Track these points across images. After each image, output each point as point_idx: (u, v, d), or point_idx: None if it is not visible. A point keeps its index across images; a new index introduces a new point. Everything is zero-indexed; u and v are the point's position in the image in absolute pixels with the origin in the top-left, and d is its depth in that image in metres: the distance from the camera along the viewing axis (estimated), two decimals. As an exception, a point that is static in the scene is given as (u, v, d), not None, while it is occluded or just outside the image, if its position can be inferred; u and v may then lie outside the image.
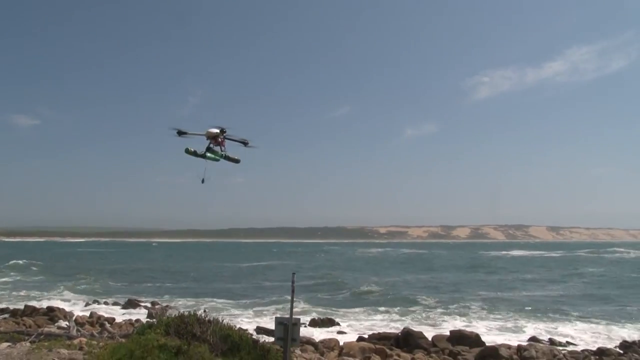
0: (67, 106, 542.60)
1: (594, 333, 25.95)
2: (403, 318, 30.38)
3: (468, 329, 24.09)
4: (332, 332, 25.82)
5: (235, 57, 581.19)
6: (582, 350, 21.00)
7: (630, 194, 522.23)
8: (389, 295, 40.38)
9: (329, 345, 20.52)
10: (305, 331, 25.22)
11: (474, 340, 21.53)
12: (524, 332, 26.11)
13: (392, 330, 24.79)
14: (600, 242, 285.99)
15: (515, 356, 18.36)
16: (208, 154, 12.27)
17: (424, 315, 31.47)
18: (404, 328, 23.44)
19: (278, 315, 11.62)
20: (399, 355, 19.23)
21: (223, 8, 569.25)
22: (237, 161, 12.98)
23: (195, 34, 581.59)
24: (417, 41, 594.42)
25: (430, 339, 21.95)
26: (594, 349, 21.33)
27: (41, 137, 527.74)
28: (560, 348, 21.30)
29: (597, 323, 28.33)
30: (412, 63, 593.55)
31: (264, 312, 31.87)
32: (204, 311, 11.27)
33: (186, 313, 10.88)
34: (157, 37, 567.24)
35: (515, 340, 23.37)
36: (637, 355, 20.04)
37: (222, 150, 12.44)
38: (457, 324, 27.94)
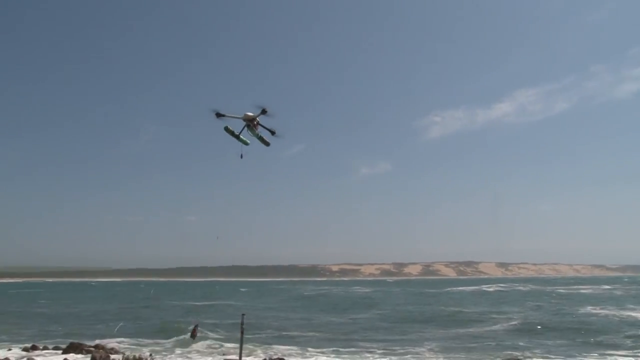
0: None
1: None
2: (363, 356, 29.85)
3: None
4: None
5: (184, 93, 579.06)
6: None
7: (573, 230, 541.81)
8: (345, 333, 39.76)
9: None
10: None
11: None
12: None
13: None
14: (546, 277, 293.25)
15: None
16: (242, 137, 12.90)
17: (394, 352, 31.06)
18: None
19: (229, 357, 11.10)
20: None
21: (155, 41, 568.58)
22: (267, 144, 13.42)
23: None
24: (371, 79, 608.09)
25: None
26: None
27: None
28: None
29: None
30: (366, 100, 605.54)
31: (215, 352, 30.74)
32: (150, 355, 10.63)
33: (131, 357, 10.25)
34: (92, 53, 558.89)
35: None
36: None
37: (258, 132, 13.01)
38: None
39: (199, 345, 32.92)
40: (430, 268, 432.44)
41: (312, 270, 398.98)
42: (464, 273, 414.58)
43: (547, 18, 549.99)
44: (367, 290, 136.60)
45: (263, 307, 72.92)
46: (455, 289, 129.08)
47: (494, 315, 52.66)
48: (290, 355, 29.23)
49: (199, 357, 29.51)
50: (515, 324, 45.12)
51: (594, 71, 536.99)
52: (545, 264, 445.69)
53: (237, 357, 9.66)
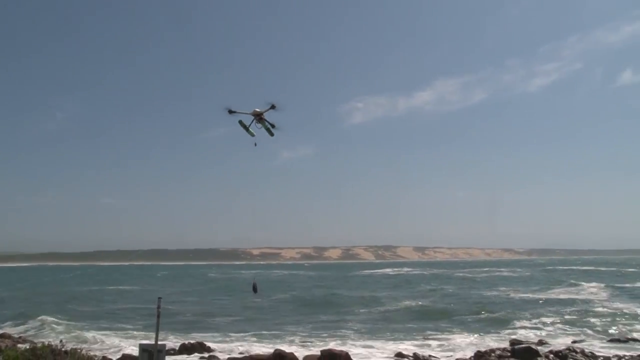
0: None
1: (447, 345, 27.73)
2: (275, 340, 30.23)
3: (338, 348, 24.54)
4: (203, 356, 25.07)
5: (106, 71, 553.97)
6: (442, 363, 22.36)
7: (485, 215, 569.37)
8: (262, 317, 40.13)
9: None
10: (174, 358, 24.29)
11: (344, 358, 21.96)
12: (390, 348, 27.09)
13: (264, 352, 24.57)
14: (459, 260, 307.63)
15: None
16: (250, 129, 14.68)
17: (296, 336, 31.57)
18: (275, 350, 23.36)
19: (143, 342, 11.06)
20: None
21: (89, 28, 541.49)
22: (272, 134, 14.88)
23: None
24: (293, 62, 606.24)
25: (301, 359, 22.05)
26: (453, 360, 22.85)
27: None
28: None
29: (451, 333, 30.37)
30: (289, 84, 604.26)
31: (131, 338, 30.14)
32: (60, 341, 10.43)
33: (39, 344, 10.00)
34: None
35: (381, 356, 24.22)
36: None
37: (266, 124, 14.69)
38: (328, 344, 28.32)
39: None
40: (350, 252, 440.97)
41: (233, 254, 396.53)
42: (383, 257, 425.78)
43: (466, 12, 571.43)
44: (284, 272, 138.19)
45: (179, 291, 72.04)
46: (365, 272, 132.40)
47: (399, 298, 54.88)
48: (206, 340, 29.17)
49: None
50: (420, 305, 47.21)
51: (508, 65, 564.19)
52: (459, 248, 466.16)
53: (153, 342, 9.66)
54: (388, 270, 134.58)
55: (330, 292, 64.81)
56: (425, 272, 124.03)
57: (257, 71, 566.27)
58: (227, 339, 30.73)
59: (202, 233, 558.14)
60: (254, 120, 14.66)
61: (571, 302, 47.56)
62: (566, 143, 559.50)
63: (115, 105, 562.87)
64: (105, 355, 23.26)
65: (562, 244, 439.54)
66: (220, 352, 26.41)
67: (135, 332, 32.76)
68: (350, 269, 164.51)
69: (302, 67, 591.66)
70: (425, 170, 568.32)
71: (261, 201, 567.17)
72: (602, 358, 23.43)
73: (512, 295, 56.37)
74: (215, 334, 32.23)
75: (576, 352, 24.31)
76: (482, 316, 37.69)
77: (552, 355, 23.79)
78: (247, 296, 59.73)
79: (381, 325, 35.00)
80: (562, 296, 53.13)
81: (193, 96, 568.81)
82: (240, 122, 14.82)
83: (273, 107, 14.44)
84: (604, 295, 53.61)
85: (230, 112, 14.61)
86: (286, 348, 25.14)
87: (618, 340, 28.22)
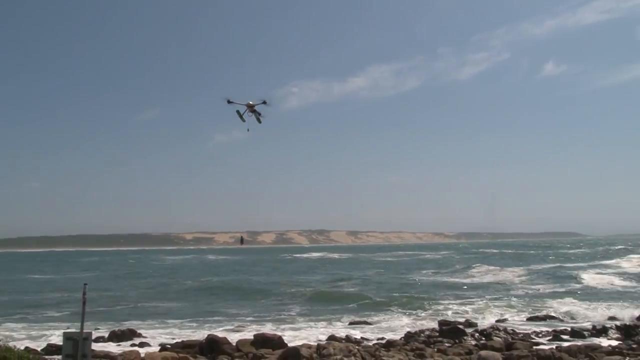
0: None
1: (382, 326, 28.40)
2: (208, 325, 29.94)
3: (271, 332, 24.61)
4: (134, 343, 24.49)
5: (31, 53, 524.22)
6: (374, 344, 22.84)
7: (417, 200, 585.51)
8: (194, 303, 39.64)
9: (129, 358, 19.38)
10: (103, 345, 23.62)
11: (277, 342, 22.02)
12: (323, 331, 27.44)
13: (197, 338, 24.30)
14: (392, 244, 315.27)
15: (315, 355, 19.17)
16: (245, 117, 17.10)
17: (229, 321, 31.38)
18: (208, 335, 23.13)
19: (68, 330, 10.64)
20: (202, 363, 18.89)
21: None
22: (259, 122, 17.20)
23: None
24: (228, 45, 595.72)
25: (234, 344, 21.95)
26: (384, 342, 23.38)
27: None
28: (355, 344, 22.80)
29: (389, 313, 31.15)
30: (223, 66, 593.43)
31: (55, 328, 28.98)
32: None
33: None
34: None
35: (314, 339, 24.48)
36: (417, 343, 22.43)
37: (256, 114, 17.12)
38: (262, 328, 28.34)
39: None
40: (284, 236, 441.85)
41: (166, 238, 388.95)
42: (316, 241, 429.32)
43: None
44: (217, 257, 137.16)
45: (106, 277, 70.05)
46: (298, 256, 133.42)
47: (331, 282, 56.00)
48: (138, 327, 28.55)
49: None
50: (351, 289, 48.17)
51: (441, 53, 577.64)
52: (391, 232, 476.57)
53: (79, 331, 9.30)
54: (321, 254, 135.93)
55: (263, 277, 64.84)
56: (356, 256, 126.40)
57: (191, 52, 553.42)
58: (159, 325, 30.17)
59: (134, 218, 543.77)
60: (247, 110, 16.97)
61: (494, 283, 49.85)
62: (495, 131, 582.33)
63: (43, 87, 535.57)
64: (27, 346, 22.27)
65: (489, 227, 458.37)
66: (151, 338, 25.92)
67: (60, 322, 31.47)
68: (283, 252, 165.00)
69: (238, 51, 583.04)
70: (359, 155, 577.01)
71: (194, 185, 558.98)
72: (522, 334, 24.87)
73: (440, 277, 58.41)
74: (147, 321, 31.55)
75: (500, 330, 25.58)
76: (411, 298, 38.70)
77: (477, 334, 24.89)
78: (177, 282, 58.92)
79: (313, 309, 35.34)
80: (485, 279, 55.45)
81: (127, 78, 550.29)
82: (238, 112, 17.13)
83: (264, 102, 17.01)
84: (524, 276, 56.46)
85: (229, 102, 16.90)
86: (219, 333, 24.97)
87: (537, 318, 29.81)
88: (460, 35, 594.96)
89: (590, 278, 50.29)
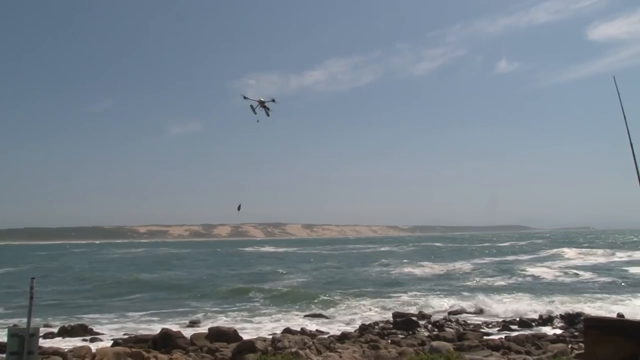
0: None
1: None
2: (161, 319, 29.55)
3: (227, 326, 24.49)
4: (85, 339, 23.95)
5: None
6: (329, 337, 23.04)
7: (372, 193, 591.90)
8: (147, 296, 39.02)
9: (80, 353, 18.93)
10: (52, 341, 23.03)
11: (232, 335, 21.94)
12: (278, 324, 27.51)
13: (150, 332, 23.95)
14: (347, 237, 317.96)
15: (269, 347, 19.19)
16: (256, 111, 18.50)
17: (183, 315, 31.03)
18: (162, 329, 22.84)
19: (13, 326, 10.31)
20: (156, 357, 18.61)
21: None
22: (268, 115, 18.56)
23: None
24: (185, 35, 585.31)
25: (189, 337, 21.75)
26: (338, 334, 23.62)
27: None
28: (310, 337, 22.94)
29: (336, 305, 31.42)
30: (180, 57, 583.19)
31: None
32: None
33: None
34: None
35: (270, 332, 24.50)
36: (371, 335, 22.82)
37: (266, 109, 18.51)
38: (217, 322, 28.18)
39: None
40: (240, 229, 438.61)
41: (118, 231, 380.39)
42: (272, 234, 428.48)
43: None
44: (171, 250, 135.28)
45: (55, 272, 67.97)
46: (253, 249, 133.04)
47: (286, 275, 56.09)
48: (89, 322, 27.95)
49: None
50: (306, 281, 48.49)
51: (398, 48, 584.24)
52: (347, 225, 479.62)
53: (25, 327, 9.03)
54: (276, 248, 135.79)
55: (217, 270, 64.31)
56: (312, 249, 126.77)
57: (146, 42, 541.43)
58: (111, 320, 29.62)
59: (86, 211, 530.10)
60: (258, 105, 18.54)
61: (446, 275, 50.97)
62: (449, 126, 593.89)
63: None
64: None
65: (442, 221, 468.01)
66: (103, 333, 25.43)
67: (6, 319, 30.41)
68: (238, 246, 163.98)
69: (194, 42, 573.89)
70: (316, 148, 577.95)
71: (148, 177, 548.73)
72: (473, 325, 25.61)
73: (392, 270, 59.18)
74: (98, 316, 30.94)
75: (451, 322, 26.27)
76: (364, 291, 39.11)
77: (430, 325, 25.49)
78: (131, 275, 57.80)
79: (269, 302, 35.32)
80: (437, 271, 56.59)
81: (77, 69, 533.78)
82: (251, 106, 18.71)
83: (273, 100, 18.70)
84: (474, 269, 57.93)
85: (245, 98, 18.56)
86: (173, 327, 24.67)
87: (488, 307, 30.63)
88: (417, 31, 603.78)
89: (534, 270, 52.07)
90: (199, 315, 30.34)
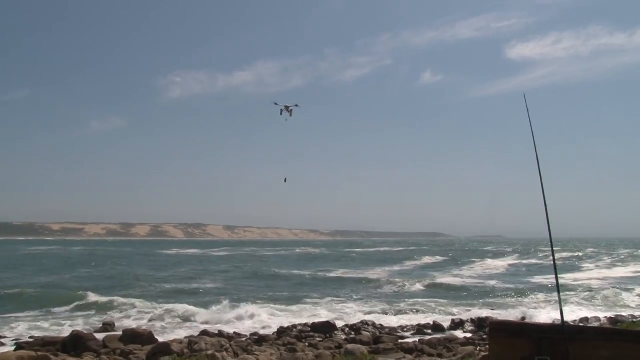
0: None
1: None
2: (72, 321, 28.28)
3: (143, 327, 23.87)
4: (-17, 343, 22.56)
5: None
6: (246, 339, 22.99)
7: (295, 197, 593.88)
8: (57, 297, 37.23)
9: (-23, 359, 17.84)
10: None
11: (147, 338, 21.42)
12: (198, 327, 27.07)
13: (60, 335, 22.91)
14: (268, 240, 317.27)
15: (186, 350, 18.91)
16: (283, 113, 20.90)
17: (95, 316, 29.89)
18: (73, 331, 21.93)
19: None
20: (64, 361, 17.89)
21: None
22: (291, 115, 20.92)
23: None
24: (110, 29, 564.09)
25: (101, 340, 21.02)
26: (256, 337, 23.61)
27: None
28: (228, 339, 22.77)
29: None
30: (103, 50, 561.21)
31: None
32: None
33: None
34: None
35: (186, 334, 24.08)
36: (289, 338, 23.10)
37: (289, 111, 20.92)
38: (131, 323, 27.36)
39: None
40: (159, 229, 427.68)
41: (30, 228, 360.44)
42: (192, 235, 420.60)
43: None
44: (86, 249, 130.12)
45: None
46: (172, 251, 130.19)
47: (204, 276, 55.53)
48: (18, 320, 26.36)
49: None
50: (221, 284, 48.07)
51: (327, 54, 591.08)
52: (268, 227, 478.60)
53: None
54: (196, 250, 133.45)
55: (133, 270, 62.31)
56: (233, 252, 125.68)
57: (69, 30, 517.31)
58: (16, 322, 27.98)
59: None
60: (284, 110, 20.94)
61: (364, 280, 51.97)
62: (373, 133, 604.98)
63: None
64: None
65: (362, 226, 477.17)
66: (5, 337, 24.05)
67: None
68: (157, 246, 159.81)
69: (119, 34, 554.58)
70: (240, 149, 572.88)
71: (65, 173, 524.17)
72: (389, 329, 26.32)
73: (310, 274, 59.64)
74: (2, 316, 29.18)
75: (368, 325, 26.85)
76: (283, 294, 39.20)
77: (347, 329, 25.94)
78: (35, 275, 55.03)
79: (184, 305, 34.59)
80: (355, 275, 57.65)
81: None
82: (280, 109, 21.02)
83: (297, 105, 21.23)
84: (390, 273, 59.63)
85: (276, 104, 20.89)
86: (84, 329, 23.74)
87: (404, 312, 31.62)
88: (346, 38, 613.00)
89: (447, 278, 54.32)
90: (114, 318, 29.32)
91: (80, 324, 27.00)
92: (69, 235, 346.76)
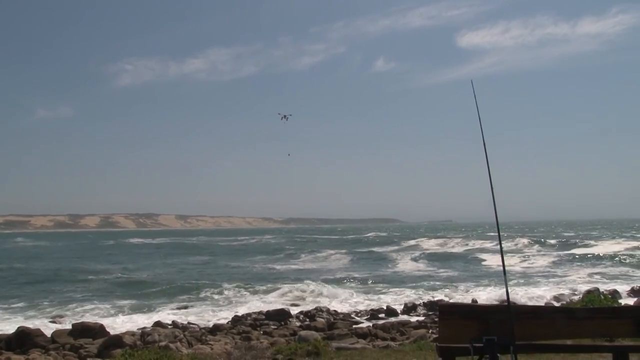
0: None
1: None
2: (18, 316, 27.37)
3: (94, 321, 23.35)
4: None
5: None
6: (201, 329, 22.84)
7: (249, 185, 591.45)
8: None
9: None
10: None
11: (98, 331, 20.96)
12: (151, 317, 26.66)
13: (4, 332, 22.15)
14: (222, 229, 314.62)
15: (139, 342, 18.65)
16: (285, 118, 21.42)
17: (43, 311, 29.02)
18: (19, 327, 21.24)
19: None
20: (9, 359, 17.33)
21: None
22: (287, 120, 21.69)
23: None
24: (57, 12, 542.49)
25: (49, 335, 20.46)
26: (211, 326, 23.51)
27: None
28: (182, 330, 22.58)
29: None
30: (50, 35, 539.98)
31: None
32: None
33: None
34: None
35: (139, 326, 23.71)
36: (244, 327, 23.09)
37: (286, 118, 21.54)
38: (81, 317, 26.69)
39: None
40: (110, 220, 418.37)
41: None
42: (144, 225, 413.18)
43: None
44: (31, 242, 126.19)
45: None
46: (123, 241, 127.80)
47: (155, 268, 54.81)
48: None
49: None
50: (176, 274, 47.70)
51: (280, 41, 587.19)
52: (221, 216, 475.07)
53: None
54: (149, 240, 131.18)
55: (81, 264, 60.63)
56: (186, 241, 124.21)
57: (14, 17, 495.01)
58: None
59: None
60: (283, 117, 21.55)
61: (319, 268, 52.34)
62: (327, 121, 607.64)
63: None
64: None
65: (316, 213, 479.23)
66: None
67: None
68: (107, 237, 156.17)
69: (67, 18, 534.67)
70: (192, 138, 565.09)
71: (8, 163, 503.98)
72: (343, 315, 26.70)
73: (265, 264, 59.54)
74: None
75: (322, 311, 27.10)
76: (240, 283, 38.98)
77: (302, 315, 26.13)
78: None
79: (137, 295, 34.10)
80: (308, 265, 57.85)
81: None
82: (281, 118, 21.96)
83: (290, 115, 21.97)
84: (347, 261, 60.20)
85: (279, 114, 21.75)
86: (31, 324, 23.01)
87: (359, 297, 32.02)
88: (300, 26, 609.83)
89: (402, 263, 55.31)
90: (62, 311, 28.57)
91: (23, 320, 26.21)
92: (13, 227, 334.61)
